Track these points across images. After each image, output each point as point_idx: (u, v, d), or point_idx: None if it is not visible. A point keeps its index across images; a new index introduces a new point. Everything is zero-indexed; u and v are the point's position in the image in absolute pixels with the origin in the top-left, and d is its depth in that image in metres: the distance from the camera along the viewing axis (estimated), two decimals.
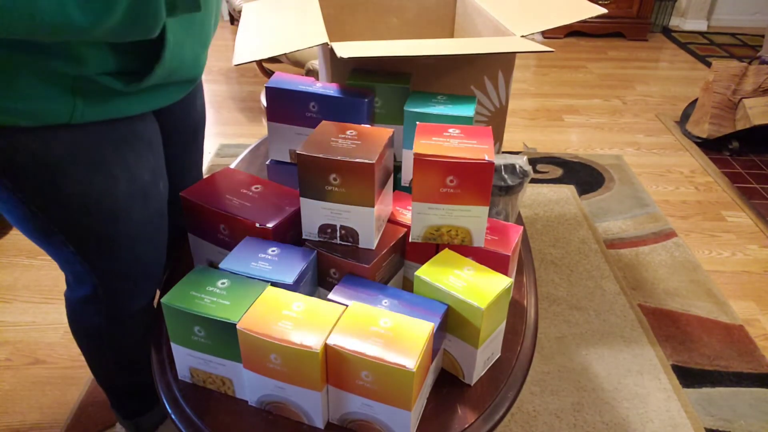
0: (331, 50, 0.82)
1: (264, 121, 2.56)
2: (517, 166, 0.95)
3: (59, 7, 0.53)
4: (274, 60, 2.58)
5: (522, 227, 0.77)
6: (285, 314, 0.62)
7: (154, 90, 0.73)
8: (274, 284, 0.66)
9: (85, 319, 0.90)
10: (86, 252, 0.79)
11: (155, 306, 0.92)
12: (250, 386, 0.66)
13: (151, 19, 0.59)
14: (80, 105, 0.66)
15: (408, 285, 0.80)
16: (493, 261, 0.73)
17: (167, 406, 0.68)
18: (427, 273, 0.68)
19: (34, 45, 0.60)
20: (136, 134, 0.76)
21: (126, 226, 0.78)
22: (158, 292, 0.95)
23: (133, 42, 0.65)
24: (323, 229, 0.72)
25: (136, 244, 0.81)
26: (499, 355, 0.76)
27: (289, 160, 0.90)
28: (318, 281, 0.75)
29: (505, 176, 0.94)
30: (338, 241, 0.72)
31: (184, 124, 0.94)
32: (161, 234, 0.86)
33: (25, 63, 0.61)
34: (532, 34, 0.93)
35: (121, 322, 0.90)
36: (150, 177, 0.79)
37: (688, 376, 1.39)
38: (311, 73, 1.98)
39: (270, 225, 0.72)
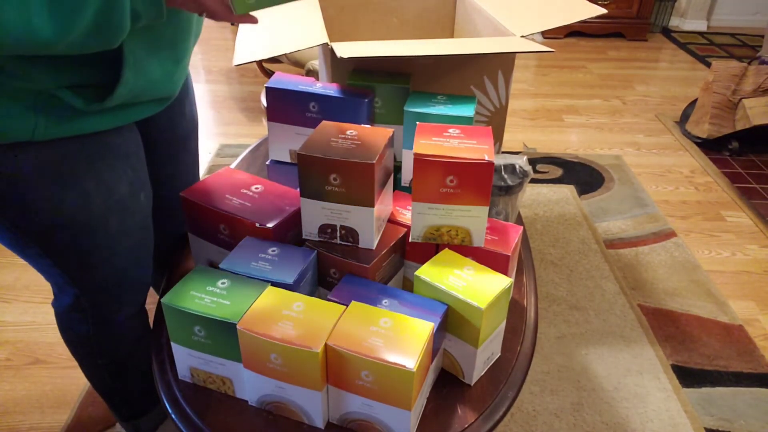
0: (332, 50, 0.82)
1: (264, 121, 2.56)
2: (517, 166, 0.95)
3: (25, 21, 0.51)
4: (274, 60, 2.58)
5: (522, 227, 0.77)
6: (285, 314, 0.62)
7: (122, 108, 0.72)
8: (274, 284, 0.66)
9: (73, 327, 0.90)
10: (64, 264, 0.78)
11: (156, 306, 0.92)
12: (250, 386, 0.66)
13: (115, 30, 0.58)
14: (42, 122, 0.65)
15: (408, 285, 0.80)
16: (493, 261, 0.73)
17: (167, 406, 0.68)
18: (427, 273, 0.68)
19: None
20: (110, 148, 0.74)
21: (103, 239, 0.77)
22: (157, 293, 0.95)
23: (88, 56, 0.63)
24: (323, 229, 0.72)
25: (114, 257, 0.80)
26: (499, 354, 0.76)
27: (289, 160, 0.91)
28: (318, 281, 0.75)
29: (505, 176, 0.94)
30: (338, 241, 0.73)
31: (170, 134, 0.92)
32: (143, 246, 0.85)
33: None
34: (532, 34, 0.93)
35: (108, 331, 0.90)
36: (128, 189, 0.78)
37: (688, 376, 1.39)
38: (311, 73, 1.98)
39: (270, 225, 0.72)
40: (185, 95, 0.94)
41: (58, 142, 0.68)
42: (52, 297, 0.90)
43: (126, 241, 0.81)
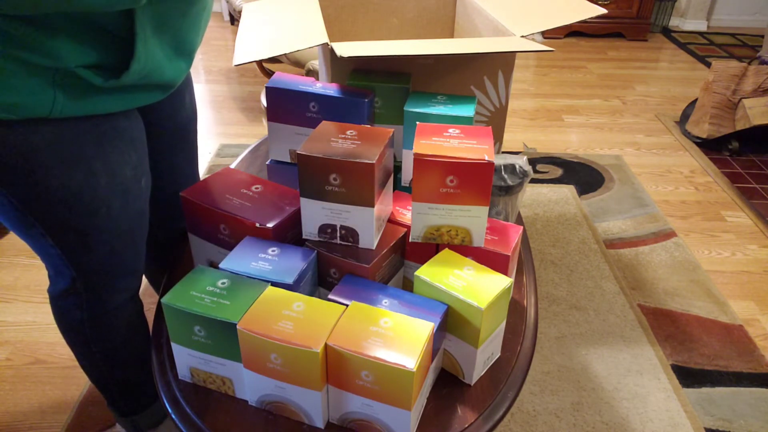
0: (332, 50, 0.82)
1: (264, 121, 2.56)
2: (517, 166, 0.95)
3: None
4: (274, 60, 2.58)
5: (522, 227, 0.77)
6: (285, 314, 0.62)
7: (133, 90, 0.74)
8: (274, 284, 0.66)
9: (68, 313, 0.91)
10: (65, 245, 0.80)
11: (156, 306, 0.92)
12: (250, 386, 0.66)
13: None
14: (60, 99, 0.67)
15: (408, 285, 0.80)
16: (493, 261, 0.73)
17: (167, 406, 0.68)
18: (427, 273, 0.68)
19: (13, 39, 0.61)
20: (118, 130, 0.76)
21: (104, 221, 0.79)
22: (157, 293, 0.96)
23: (104, 32, 0.66)
24: (323, 229, 0.72)
25: (113, 239, 0.82)
26: (499, 355, 0.76)
27: (289, 160, 0.91)
28: (318, 281, 0.75)
29: (505, 176, 0.94)
30: (338, 241, 0.73)
31: (171, 122, 0.94)
32: (141, 230, 0.87)
33: (5, 56, 0.62)
34: (532, 34, 0.93)
35: (103, 317, 0.91)
36: (131, 173, 0.80)
37: (688, 376, 1.39)
38: (311, 73, 1.98)
39: (270, 225, 0.72)
40: (185, 86, 0.96)
41: (71, 121, 0.70)
42: None
43: (125, 223, 0.82)
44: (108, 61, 0.69)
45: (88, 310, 0.89)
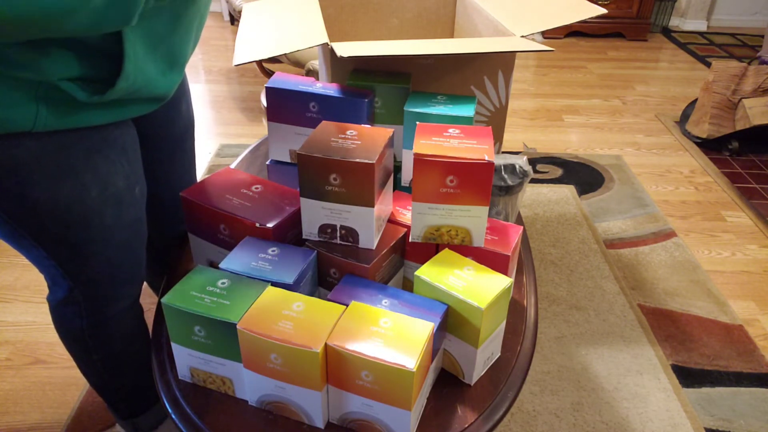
0: (332, 50, 0.82)
1: (264, 121, 2.56)
2: (517, 166, 0.95)
3: None
4: (274, 60, 2.58)
5: (522, 227, 0.77)
6: (285, 314, 0.62)
7: (122, 103, 0.73)
8: (274, 284, 0.66)
9: (67, 321, 0.90)
10: (58, 256, 0.79)
11: (156, 306, 0.92)
12: (250, 386, 0.66)
13: (132, 4, 0.59)
14: (43, 113, 0.66)
15: (408, 285, 0.80)
16: (493, 261, 0.73)
17: (167, 406, 0.68)
18: (427, 273, 0.68)
19: None
20: (108, 141, 0.75)
21: (98, 232, 0.78)
22: (157, 293, 0.95)
23: (93, 49, 0.65)
24: (323, 229, 0.72)
25: (109, 249, 0.81)
26: (499, 354, 0.76)
27: (289, 160, 0.91)
28: (318, 281, 0.75)
29: (505, 176, 0.94)
30: (338, 241, 0.73)
31: (167, 130, 0.93)
32: (138, 239, 0.86)
33: None
34: (532, 34, 0.93)
35: (103, 325, 0.90)
36: (124, 183, 0.79)
37: (688, 376, 1.39)
38: (311, 73, 1.98)
39: (270, 225, 0.72)
40: (182, 94, 0.95)
41: (57, 134, 0.69)
42: None
43: (120, 233, 0.81)
44: (94, 74, 0.67)
45: (88, 318, 0.89)
